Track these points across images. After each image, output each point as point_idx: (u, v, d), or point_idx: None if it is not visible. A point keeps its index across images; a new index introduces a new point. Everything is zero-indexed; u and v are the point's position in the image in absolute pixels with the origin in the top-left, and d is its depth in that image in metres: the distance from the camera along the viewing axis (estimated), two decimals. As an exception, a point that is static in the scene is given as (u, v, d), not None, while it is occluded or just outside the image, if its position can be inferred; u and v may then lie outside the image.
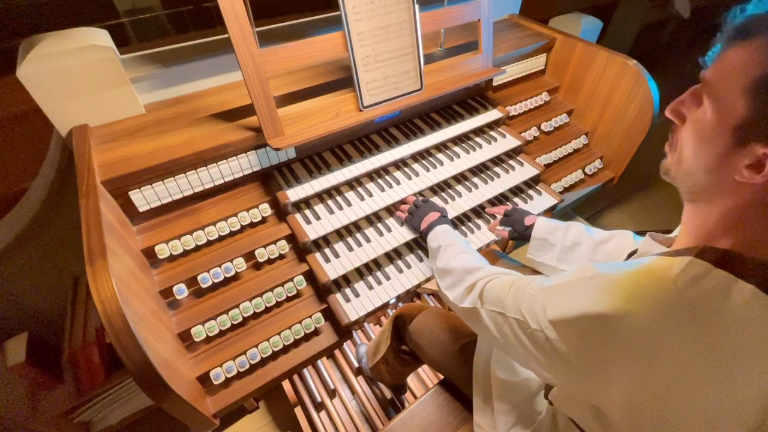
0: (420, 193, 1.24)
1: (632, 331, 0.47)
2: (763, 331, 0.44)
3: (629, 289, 0.49)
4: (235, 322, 0.98)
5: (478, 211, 1.31)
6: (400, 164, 1.29)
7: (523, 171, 1.36)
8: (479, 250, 1.20)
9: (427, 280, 1.12)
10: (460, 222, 1.26)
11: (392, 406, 1.56)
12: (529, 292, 0.63)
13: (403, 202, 1.20)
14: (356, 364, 1.64)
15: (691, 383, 0.45)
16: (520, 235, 1.12)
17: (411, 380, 1.63)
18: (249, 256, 1.05)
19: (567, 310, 0.53)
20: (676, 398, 0.46)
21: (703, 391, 0.45)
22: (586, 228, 1.00)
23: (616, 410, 0.51)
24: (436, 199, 1.26)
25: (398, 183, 1.22)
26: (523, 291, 0.64)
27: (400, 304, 1.89)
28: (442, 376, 1.16)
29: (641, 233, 0.88)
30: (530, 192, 1.37)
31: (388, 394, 1.58)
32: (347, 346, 1.71)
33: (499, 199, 1.34)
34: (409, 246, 1.19)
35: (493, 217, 1.27)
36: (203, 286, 0.98)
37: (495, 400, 0.89)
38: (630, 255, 0.76)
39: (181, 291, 0.96)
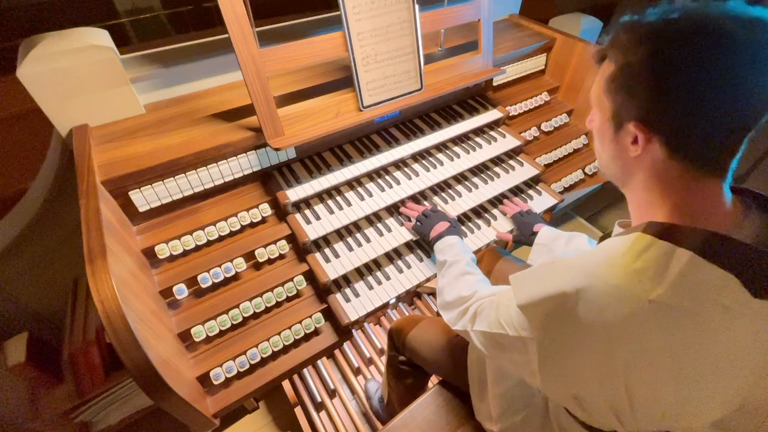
0: (420, 193, 1.24)
1: (588, 306, 0.51)
2: (702, 292, 0.47)
3: (585, 267, 0.54)
4: (235, 322, 0.98)
5: (478, 211, 1.31)
6: (400, 164, 1.29)
7: (523, 171, 1.36)
8: (479, 249, 1.20)
9: (428, 279, 1.12)
10: (460, 222, 1.26)
11: (392, 406, 1.56)
12: (505, 303, 0.67)
13: (403, 202, 1.20)
14: (355, 365, 1.64)
15: (649, 351, 0.48)
16: (525, 239, 1.13)
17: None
18: (249, 256, 1.05)
19: (531, 293, 0.58)
20: (639, 368, 0.49)
21: (662, 357, 0.48)
22: (589, 240, 1.00)
23: (591, 392, 0.54)
24: (437, 200, 1.26)
25: (398, 183, 1.22)
26: (500, 303, 0.69)
27: (401, 305, 1.90)
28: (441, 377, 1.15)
29: None
30: (530, 192, 1.37)
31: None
32: (347, 346, 1.71)
33: (499, 200, 1.34)
34: (409, 246, 1.19)
35: (495, 217, 1.28)
36: (203, 286, 0.98)
37: (490, 384, 0.90)
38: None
39: (181, 291, 0.96)
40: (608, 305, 0.50)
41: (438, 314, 1.86)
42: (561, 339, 0.55)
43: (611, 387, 0.51)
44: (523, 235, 1.14)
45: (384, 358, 1.34)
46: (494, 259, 1.26)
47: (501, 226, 1.26)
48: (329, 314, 1.06)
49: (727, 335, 0.46)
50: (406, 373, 1.24)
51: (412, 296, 1.96)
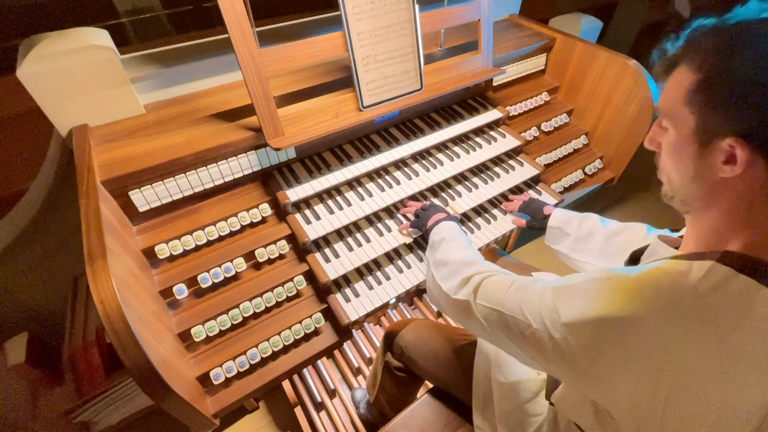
0: (420, 194, 1.24)
1: (648, 335, 0.47)
2: None
3: (647, 292, 0.49)
4: (235, 322, 0.98)
5: (478, 211, 1.31)
6: (400, 164, 1.29)
7: (523, 171, 1.36)
8: (480, 249, 1.20)
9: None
10: (460, 222, 1.26)
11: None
12: (531, 292, 0.63)
13: (402, 202, 1.20)
14: (355, 365, 1.64)
15: (703, 387, 0.45)
16: (539, 223, 1.14)
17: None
18: (249, 256, 1.05)
19: (582, 311, 0.53)
20: (685, 400, 0.46)
21: (714, 395, 0.45)
22: (601, 219, 1.02)
23: (622, 410, 0.52)
24: (436, 200, 1.26)
25: (398, 183, 1.22)
26: (524, 290, 0.65)
27: (401, 305, 1.90)
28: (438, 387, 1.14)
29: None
30: (530, 192, 1.37)
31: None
32: (347, 346, 1.71)
33: (499, 200, 1.34)
34: (409, 246, 1.19)
35: (496, 217, 1.28)
36: (203, 286, 0.98)
37: (495, 403, 0.89)
38: (635, 253, 0.75)
39: (181, 291, 0.96)
40: (670, 338, 0.46)
41: (439, 315, 1.86)
42: (604, 359, 0.51)
43: (646, 407, 0.49)
44: (536, 220, 1.15)
45: (376, 358, 1.33)
46: (492, 260, 1.26)
47: (501, 225, 1.26)
48: (329, 314, 1.06)
49: None
50: (401, 378, 1.23)
51: (412, 296, 1.96)
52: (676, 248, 0.62)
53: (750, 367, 0.45)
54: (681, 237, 0.65)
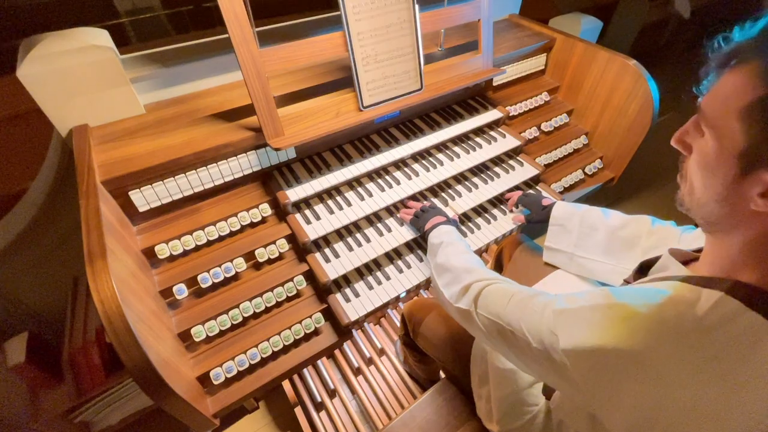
0: (420, 193, 1.24)
1: (650, 368, 0.46)
2: None
3: (650, 324, 0.48)
4: (235, 322, 0.98)
5: (478, 211, 1.31)
6: (400, 164, 1.29)
7: (523, 171, 1.36)
8: (480, 249, 1.21)
9: (427, 280, 1.12)
10: (460, 222, 1.26)
11: (392, 406, 1.56)
12: (532, 309, 0.61)
13: (402, 202, 1.20)
14: (355, 365, 1.64)
15: (703, 419, 0.45)
16: (538, 216, 1.14)
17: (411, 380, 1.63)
18: (249, 256, 1.05)
19: (582, 340, 0.51)
20: (684, 425, 0.46)
21: (714, 426, 0.44)
22: (603, 212, 1.00)
23: (618, 429, 0.51)
24: (436, 200, 1.26)
25: (398, 183, 1.22)
26: (525, 307, 0.63)
27: (400, 304, 1.90)
28: (442, 376, 1.16)
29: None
30: (530, 192, 1.37)
31: (389, 393, 1.58)
32: (347, 346, 1.71)
33: (500, 200, 1.34)
34: (409, 246, 1.19)
35: (496, 217, 1.29)
36: (203, 286, 0.98)
37: (492, 387, 0.89)
38: (645, 263, 0.71)
39: (181, 291, 0.96)
40: (672, 372, 0.45)
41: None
42: (603, 387, 0.50)
43: (642, 428, 0.48)
44: (536, 213, 1.15)
45: (397, 341, 1.35)
46: (513, 250, 1.27)
47: (501, 225, 1.26)
48: (329, 314, 1.06)
49: None
50: (420, 350, 1.26)
51: (412, 295, 1.96)
52: (688, 262, 0.60)
53: (753, 408, 0.43)
54: (694, 251, 0.62)
